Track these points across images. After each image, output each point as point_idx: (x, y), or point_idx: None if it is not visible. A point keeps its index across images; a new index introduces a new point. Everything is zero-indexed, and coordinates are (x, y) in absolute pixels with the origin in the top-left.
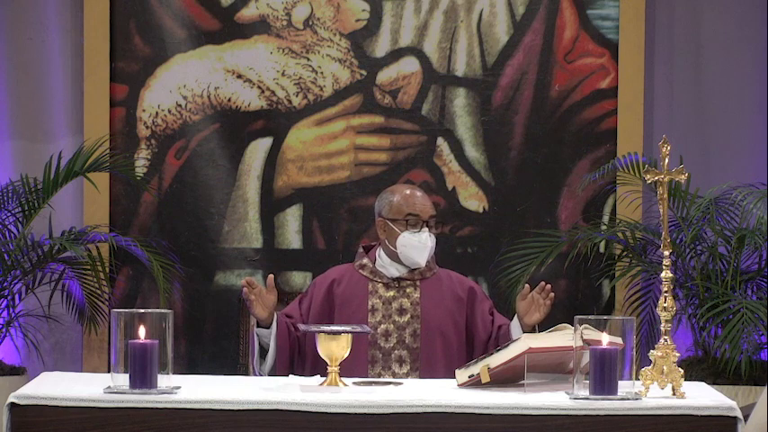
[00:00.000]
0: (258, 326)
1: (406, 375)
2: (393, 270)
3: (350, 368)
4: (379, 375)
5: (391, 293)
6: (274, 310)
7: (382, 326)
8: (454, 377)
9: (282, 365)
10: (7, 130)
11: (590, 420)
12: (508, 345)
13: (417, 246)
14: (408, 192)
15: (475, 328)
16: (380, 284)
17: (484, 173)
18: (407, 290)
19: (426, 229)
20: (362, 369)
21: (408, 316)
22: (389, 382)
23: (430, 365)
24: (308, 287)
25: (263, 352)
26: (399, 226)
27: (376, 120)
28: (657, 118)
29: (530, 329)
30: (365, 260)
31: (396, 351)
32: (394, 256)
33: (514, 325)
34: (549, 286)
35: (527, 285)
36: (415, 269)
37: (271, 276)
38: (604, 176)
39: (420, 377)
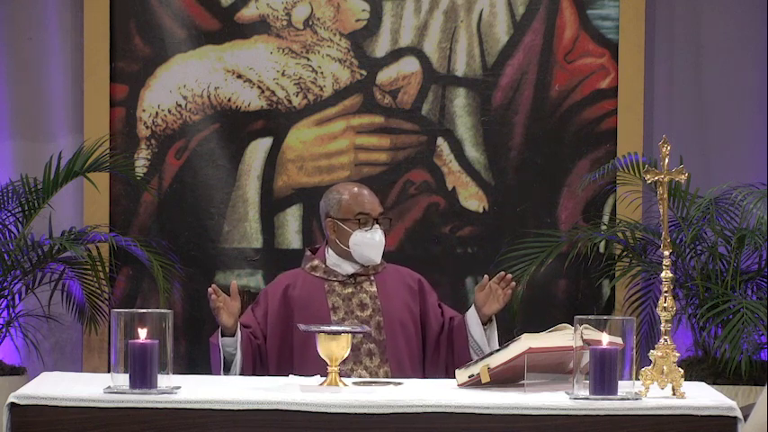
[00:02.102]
0: (222, 335)
1: (378, 368)
2: (347, 267)
3: (323, 366)
4: (352, 370)
5: (349, 290)
6: (238, 318)
7: (346, 323)
8: (418, 367)
9: (247, 374)
10: (7, 130)
11: (590, 420)
12: (508, 345)
13: (371, 243)
14: (356, 190)
15: (427, 319)
16: (336, 283)
17: (484, 173)
18: (364, 284)
19: (377, 226)
20: None
21: (370, 310)
22: (389, 382)
23: (397, 356)
24: (257, 297)
25: (225, 362)
26: (350, 225)
27: (376, 120)
28: (657, 118)
29: (487, 319)
30: (316, 261)
31: (364, 345)
32: (346, 255)
33: (471, 314)
34: (509, 276)
35: (486, 276)
36: (368, 265)
37: (234, 283)
38: (604, 176)
39: (390, 369)
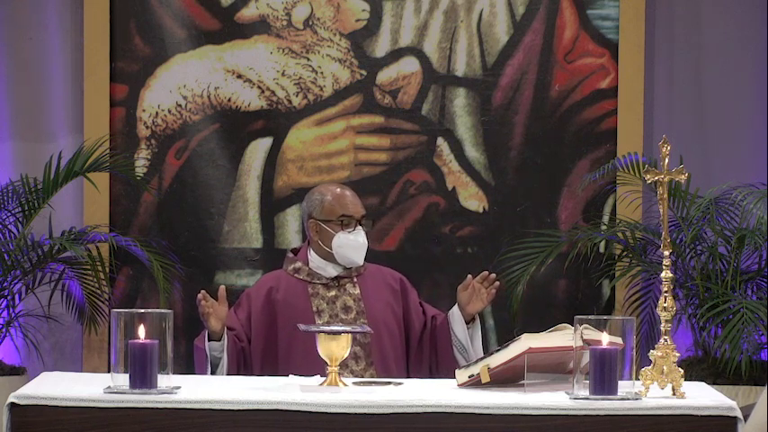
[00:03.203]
0: (209, 339)
1: (363, 371)
2: (330, 270)
3: (309, 369)
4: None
5: (333, 293)
6: (225, 323)
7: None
8: (406, 369)
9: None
10: (7, 131)
11: (590, 420)
12: (508, 345)
13: (354, 245)
14: (339, 191)
15: (410, 318)
16: (320, 285)
17: (484, 173)
18: (347, 287)
19: (360, 227)
20: (320, 370)
21: (354, 313)
22: (389, 382)
23: (382, 358)
24: (239, 299)
25: (212, 366)
26: (333, 227)
27: (376, 120)
28: (657, 118)
29: (470, 319)
30: (298, 263)
31: (350, 349)
32: (328, 257)
33: (454, 314)
34: (493, 275)
35: (469, 276)
36: (351, 267)
37: (222, 288)
38: (604, 176)
39: (376, 371)
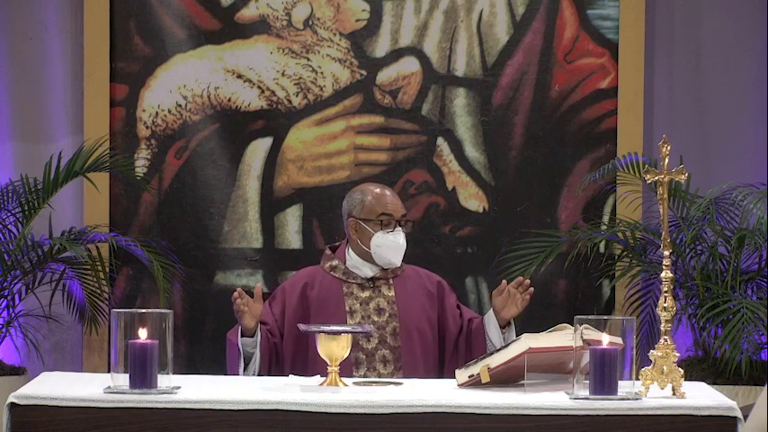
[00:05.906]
0: (242, 335)
1: (391, 375)
2: (366, 270)
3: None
4: (365, 377)
5: (367, 294)
6: (258, 321)
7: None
8: (433, 374)
9: (263, 372)
10: (7, 131)
11: (590, 420)
12: (508, 345)
13: (392, 246)
14: (379, 191)
15: (446, 321)
16: (355, 285)
17: (484, 173)
18: (382, 289)
19: (399, 228)
20: (347, 371)
21: (387, 315)
22: (389, 382)
23: (411, 363)
24: (274, 293)
25: (245, 361)
26: (372, 226)
27: (376, 120)
28: (657, 118)
29: (505, 323)
30: (335, 261)
31: (379, 351)
32: (366, 256)
33: (489, 318)
34: (527, 281)
35: (504, 281)
36: (388, 268)
37: (258, 286)
38: (604, 176)
39: (403, 375)
